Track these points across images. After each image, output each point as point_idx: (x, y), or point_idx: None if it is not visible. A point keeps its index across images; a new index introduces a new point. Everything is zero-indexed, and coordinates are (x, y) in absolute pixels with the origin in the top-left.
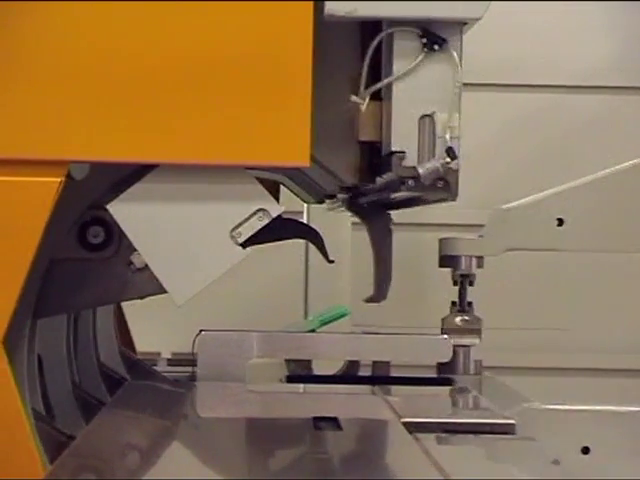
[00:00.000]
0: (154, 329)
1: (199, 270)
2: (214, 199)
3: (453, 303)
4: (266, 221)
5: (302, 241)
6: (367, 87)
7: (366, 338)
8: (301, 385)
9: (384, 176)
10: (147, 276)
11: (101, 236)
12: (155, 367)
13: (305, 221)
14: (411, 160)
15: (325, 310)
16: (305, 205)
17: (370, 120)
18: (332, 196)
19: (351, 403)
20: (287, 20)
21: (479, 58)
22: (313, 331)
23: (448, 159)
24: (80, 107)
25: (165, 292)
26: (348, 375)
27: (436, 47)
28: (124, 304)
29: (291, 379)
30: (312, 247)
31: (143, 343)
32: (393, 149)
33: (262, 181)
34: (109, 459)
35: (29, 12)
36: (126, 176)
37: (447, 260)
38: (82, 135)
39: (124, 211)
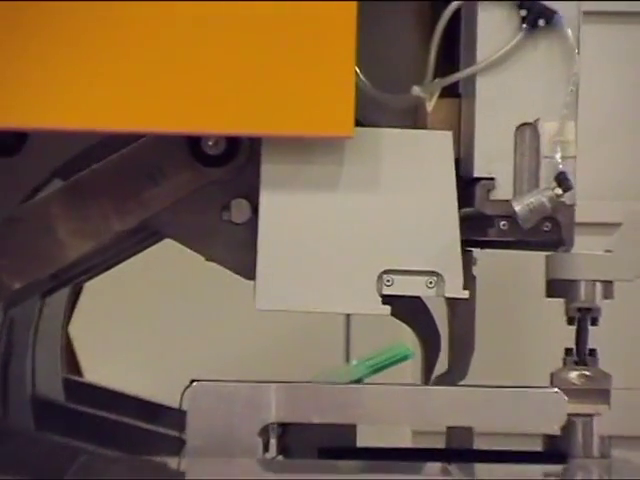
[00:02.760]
0: (130, 377)
1: (308, 290)
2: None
3: (567, 351)
4: (433, 294)
5: None
6: (436, 77)
7: (437, 392)
8: (340, 462)
9: (463, 211)
10: (233, 237)
11: (222, 146)
12: None
13: None
14: (503, 191)
15: (376, 351)
16: None
17: (441, 128)
18: None
19: None
20: None
21: None
22: (359, 381)
23: (559, 190)
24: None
25: (245, 277)
26: (409, 448)
27: (541, 22)
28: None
29: (324, 453)
30: None
31: None
32: (477, 174)
33: None
34: None
35: None
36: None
37: (558, 287)
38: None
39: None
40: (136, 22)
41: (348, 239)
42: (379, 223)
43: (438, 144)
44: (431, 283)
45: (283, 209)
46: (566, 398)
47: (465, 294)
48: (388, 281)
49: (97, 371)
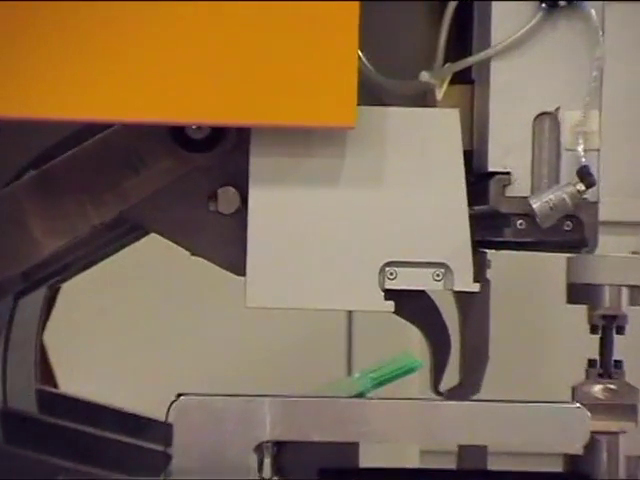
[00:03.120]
0: (111, 391)
1: (302, 286)
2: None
3: (590, 362)
4: (440, 287)
5: None
6: (447, 62)
7: (448, 408)
8: None
9: (476, 209)
10: (220, 229)
11: (206, 130)
12: None
13: None
14: (520, 187)
15: (381, 362)
16: None
17: None
18: None
19: None
20: None
21: None
22: (362, 395)
23: (581, 185)
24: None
25: (234, 273)
26: (417, 469)
27: (562, 2)
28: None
29: (324, 474)
30: None
31: None
32: (491, 168)
33: None
34: None
35: None
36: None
37: (580, 292)
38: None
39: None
40: (129, 10)
41: (346, 230)
42: (380, 213)
43: (444, 123)
44: (438, 276)
45: (274, 201)
46: (589, 414)
47: (476, 287)
48: (391, 274)
49: (74, 383)
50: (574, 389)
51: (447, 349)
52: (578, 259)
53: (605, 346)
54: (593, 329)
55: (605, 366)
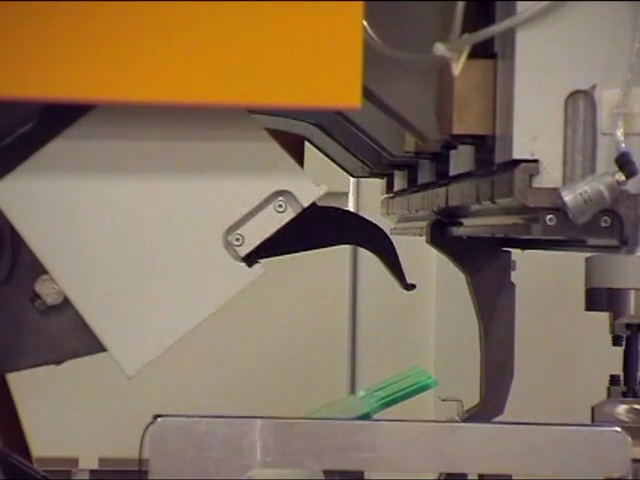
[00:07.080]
0: (76, 414)
1: (163, 317)
2: (191, 172)
3: (613, 379)
4: (290, 214)
5: (346, 252)
6: (465, 32)
7: (467, 431)
8: None
9: (498, 202)
10: (67, 320)
11: None
12: None
13: (352, 209)
14: (550, 177)
15: (390, 378)
16: (351, 180)
17: (471, 96)
18: (400, 166)
19: None
20: None
21: None
22: (368, 417)
23: (620, 175)
24: None
25: (101, 350)
26: None
27: None
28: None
29: None
30: (362, 263)
31: (54, 440)
32: (516, 156)
33: (276, 137)
34: None
35: None
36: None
37: (602, 298)
38: None
39: (21, 198)
40: None
41: (165, 229)
42: (185, 186)
43: None
44: (281, 206)
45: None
46: (630, 439)
47: (323, 188)
48: (237, 240)
49: (35, 406)
50: (594, 409)
51: (388, 243)
52: (599, 259)
53: (629, 360)
54: (616, 340)
55: (629, 383)
